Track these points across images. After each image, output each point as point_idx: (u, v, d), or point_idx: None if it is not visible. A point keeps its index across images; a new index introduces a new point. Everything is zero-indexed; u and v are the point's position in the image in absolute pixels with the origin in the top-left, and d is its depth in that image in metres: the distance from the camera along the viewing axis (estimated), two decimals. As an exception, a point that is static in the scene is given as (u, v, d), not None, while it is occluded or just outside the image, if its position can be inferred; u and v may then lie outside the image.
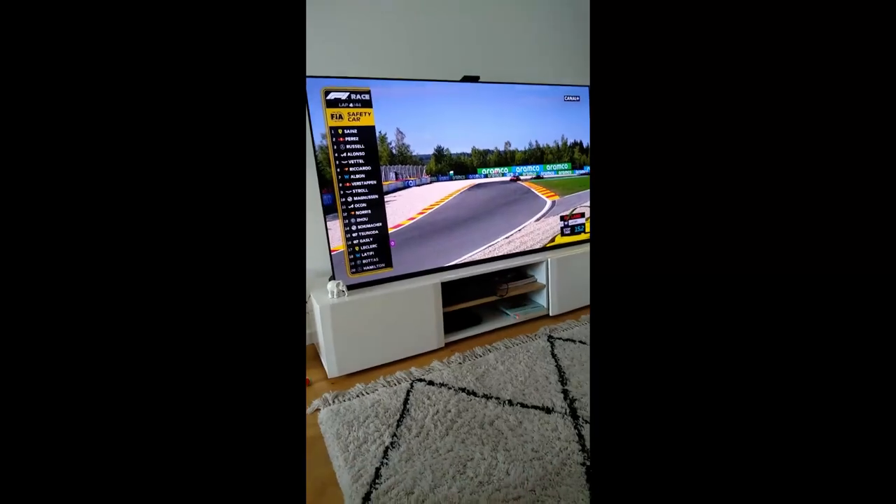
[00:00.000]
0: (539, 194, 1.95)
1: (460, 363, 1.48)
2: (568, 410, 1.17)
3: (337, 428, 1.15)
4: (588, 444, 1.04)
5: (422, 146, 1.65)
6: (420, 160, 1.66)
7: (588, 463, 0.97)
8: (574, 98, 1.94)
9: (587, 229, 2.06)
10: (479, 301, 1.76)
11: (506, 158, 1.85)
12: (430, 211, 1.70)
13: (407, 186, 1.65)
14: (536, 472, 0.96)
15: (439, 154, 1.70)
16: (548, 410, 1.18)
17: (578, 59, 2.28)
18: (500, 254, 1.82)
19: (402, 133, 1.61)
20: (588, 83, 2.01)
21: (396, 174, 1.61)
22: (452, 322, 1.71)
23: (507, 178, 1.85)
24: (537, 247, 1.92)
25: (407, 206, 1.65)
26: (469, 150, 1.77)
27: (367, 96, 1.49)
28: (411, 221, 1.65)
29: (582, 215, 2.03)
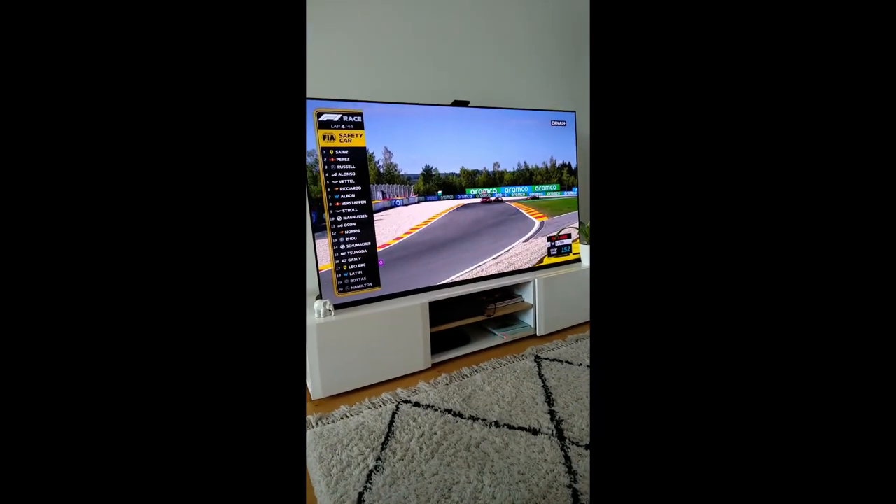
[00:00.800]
0: (528, 215, 1.98)
1: (447, 384, 1.47)
2: (555, 432, 1.16)
3: (320, 451, 1.13)
4: (574, 465, 1.03)
5: (410, 165, 1.67)
6: (408, 179, 1.67)
7: (575, 486, 0.96)
8: (560, 123, 2.00)
9: (574, 250, 2.09)
10: (467, 321, 1.76)
11: (494, 179, 1.88)
12: (417, 231, 1.71)
13: (394, 206, 1.65)
14: (523, 495, 0.94)
15: (427, 174, 1.72)
16: (534, 432, 1.17)
17: (564, 85, 2.37)
18: (487, 274, 1.84)
19: (390, 152, 1.62)
20: (573, 109, 2.08)
21: (384, 193, 1.62)
22: (440, 342, 1.70)
23: (492, 199, 1.87)
24: (525, 267, 1.94)
25: (394, 225, 1.65)
26: (458, 171, 1.79)
27: (359, 118, 1.52)
28: (398, 241, 1.66)
29: (568, 236, 2.07)
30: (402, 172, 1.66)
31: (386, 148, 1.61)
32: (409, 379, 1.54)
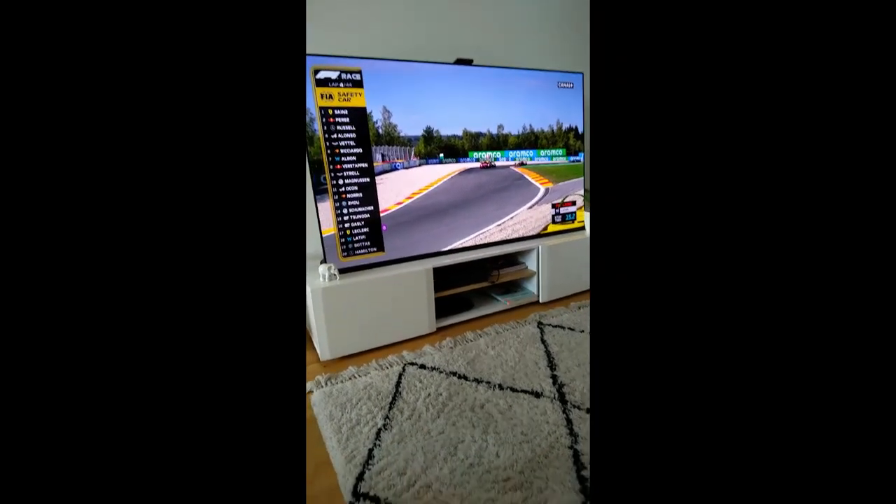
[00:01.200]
0: (532, 181, 1.94)
1: (452, 348, 1.50)
2: (556, 395, 1.20)
3: (330, 410, 1.16)
4: (575, 427, 1.07)
5: (410, 127, 1.59)
6: (408, 141, 1.60)
7: (576, 447, 1.00)
8: (568, 84, 1.93)
9: (578, 217, 2.07)
10: (471, 287, 1.78)
11: (498, 142, 1.81)
12: (419, 195, 1.66)
13: (394, 169, 1.59)
14: (525, 454, 0.98)
15: (428, 135, 1.64)
16: (537, 395, 1.20)
17: (571, 46, 2.26)
18: (490, 241, 1.83)
19: (388, 111, 1.53)
20: (581, 70, 2.00)
21: (383, 156, 1.56)
22: (444, 307, 1.72)
23: (494, 164, 1.82)
24: (529, 234, 1.93)
25: (394, 189, 1.60)
26: (460, 133, 1.71)
27: (357, 76, 1.45)
28: (399, 206, 1.62)
29: (573, 203, 2.04)
30: (402, 134, 1.58)
31: (385, 107, 1.53)
32: (415, 342, 1.57)
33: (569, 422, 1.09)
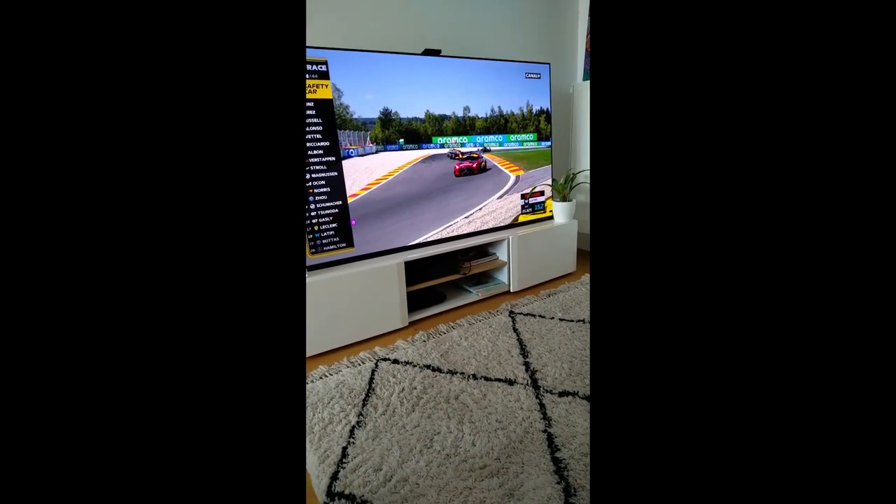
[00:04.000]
0: (502, 168, 1.89)
1: (424, 341, 1.49)
2: (529, 381, 1.22)
3: (300, 410, 1.13)
4: (548, 412, 1.08)
5: (364, 108, 1.43)
6: (363, 125, 1.46)
7: (549, 430, 1.02)
8: (535, 75, 1.94)
9: (548, 207, 2.10)
10: (442, 279, 1.77)
11: (465, 126, 1.70)
12: (376, 187, 1.53)
13: (347, 156, 1.44)
14: (501, 441, 0.99)
15: (386, 118, 1.48)
16: (510, 382, 1.22)
17: (538, 38, 2.28)
18: (460, 233, 1.82)
19: (339, 90, 1.38)
20: (548, 61, 2.02)
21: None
22: (416, 301, 1.71)
23: (472, 158, 1.78)
24: (500, 225, 1.93)
25: (348, 179, 1.48)
26: (422, 115, 1.56)
27: (324, 67, 1.41)
28: (354, 198, 1.51)
29: (542, 193, 2.07)
30: (355, 116, 1.42)
31: (334, 85, 1.37)
32: (387, 337, 1.55)
33: (542, 406, 1.11)
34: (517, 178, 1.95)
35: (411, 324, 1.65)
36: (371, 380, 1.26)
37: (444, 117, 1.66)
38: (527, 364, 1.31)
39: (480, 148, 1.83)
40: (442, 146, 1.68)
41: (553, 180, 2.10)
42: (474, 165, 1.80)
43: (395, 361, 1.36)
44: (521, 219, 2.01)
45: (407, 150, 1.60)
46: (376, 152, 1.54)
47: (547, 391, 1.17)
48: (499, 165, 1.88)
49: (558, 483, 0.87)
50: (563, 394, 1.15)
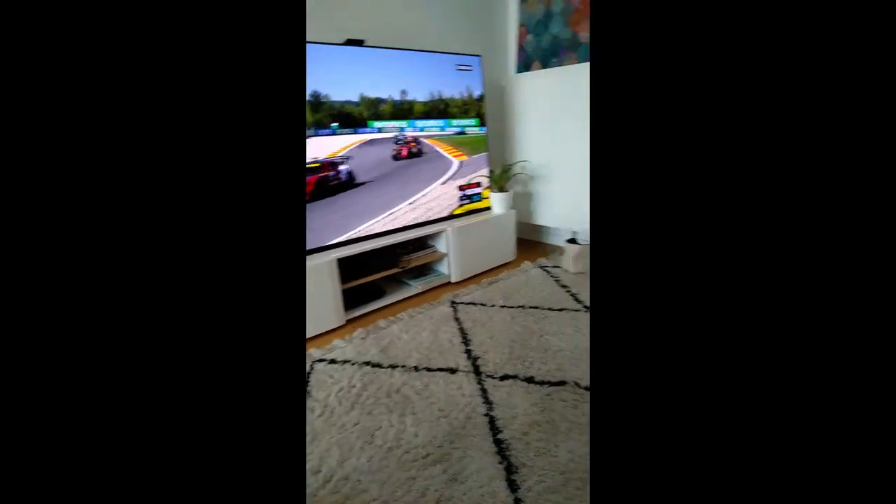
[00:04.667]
0: (445, 154, 1.86)
1: (363, 338, 1.44)
2: (471, 368, 1.21)
3: (227, 422, 1.04)
4: (490, 396, 1.09)
5: None
6: None
7: (491, 413, 1.02)
8: (467, 67, 1.95)
9: (484, 195, 2.11)
10: (381, 274, 1.72)
11: (403, 110, 1.65)
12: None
13: None
14: (443, 429, 0.98)
15: (316, 101, 1.41)
16: (452, 371, 1.21)
17: (468, 28, 2.30)
18: (403, 222, 1.77)
19: None
20: (479, 53, 2.04)
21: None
22: (353, 298, 1.65)
23: (411, 146, 1.74)
24: (444, 214, 1.91)
25: None
26: (356, 98, 1.50)
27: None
28: None
29: (478, 185, 2.08)
30: None
31: None
32: (323, 338, 1.48)
33: (484, 391, 1.11)
34: (461, 163, 1.93)
35: (349, 322, 1.59)
36: (306, 382, 1.19)
37: (380, 100, 1.60)
38: (468, 352, 1.31)
39: (421, 133, 1.79)
40: (380, 130, 1.61)
41: (490, 171, 2.13)
42: (405, 151, 1.77)
43: (332, 361, 1.30)
44: (459, 210, 2.01)
45: (341, 134, 1.52)
46: (307, 137, 1.45)
47: (488, 376, 1.17)
48: (442, 151, 1.85)
49: (500, 463, 0.87)
50: (504, 377, 1.16)
